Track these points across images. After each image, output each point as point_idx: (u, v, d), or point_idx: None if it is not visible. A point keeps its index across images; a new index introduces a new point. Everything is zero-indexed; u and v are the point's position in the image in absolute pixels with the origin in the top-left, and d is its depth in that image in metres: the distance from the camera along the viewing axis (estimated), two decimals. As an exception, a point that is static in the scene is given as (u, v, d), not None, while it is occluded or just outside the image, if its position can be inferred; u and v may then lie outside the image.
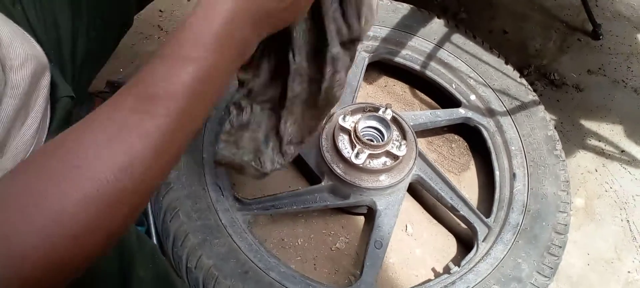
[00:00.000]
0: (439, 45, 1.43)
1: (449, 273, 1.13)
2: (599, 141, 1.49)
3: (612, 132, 1.52)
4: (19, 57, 0.63)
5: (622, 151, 1.47)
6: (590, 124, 1.53)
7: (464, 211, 1.20)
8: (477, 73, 1.40)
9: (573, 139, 1.49)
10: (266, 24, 0.58)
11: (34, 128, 0.65)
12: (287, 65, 0.73)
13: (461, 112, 1.36)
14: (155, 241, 1.12)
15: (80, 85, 0.90)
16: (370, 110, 1.23)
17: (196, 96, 0.51)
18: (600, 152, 1.47)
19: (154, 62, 0.51)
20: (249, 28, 0.56)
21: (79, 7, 0.88)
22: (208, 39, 0.52)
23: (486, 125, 1.34)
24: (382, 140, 1.18)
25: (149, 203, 1.11)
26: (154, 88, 0.48)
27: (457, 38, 1.45)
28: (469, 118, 1.35)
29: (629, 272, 1.27)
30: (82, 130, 0.47)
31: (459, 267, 1.13)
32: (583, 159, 1.45)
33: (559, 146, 1.28)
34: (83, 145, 0.45)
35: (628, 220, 1.35)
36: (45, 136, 0.68)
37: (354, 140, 1.15)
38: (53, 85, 0.71)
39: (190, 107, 0.50)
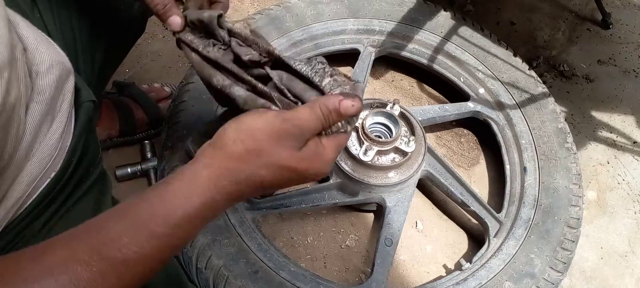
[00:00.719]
0: (446, 38, 1.42)
1: (461, 269, 1.12)
2: (611, 132, 1.47)
3: (624, 122, 1.50)
4: (44, 63, 0.63)
5: (634, 142, 1.45)
6: (601, 115, 1.51)
7: (474, 206, 1.19)
8: (485, 66, 1.38)
9: (584, 130, 1.47)
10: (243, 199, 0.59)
11: (59, 132, 0.65)
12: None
13: (470, 105, 1.34)
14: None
15: (97, 90, 0.90)
16: (378, 106, 1.21)
17: (153, 261, 0.51)
18: (611, 144, 1.45)
19: (121, 217, 0.51)
20: (225, 205, 0.56)
21: (96, 14, 0.88)
22: (180, 220, 0.52)
23: (495, 118, 1.32)
24: (390, 137, 1.17)
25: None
26: (113, 250, 0.48)
27: (465, 31, 1.43)
28: (478, 112, 1.33)
29: (643, 264, 1.26)
30: (36, 258, 0.47)
31: (470, 263, 1.12)
32: (594, 151, 1.43)
33: (570, 139, 1.26)
34: (32, 273, 0.46)
35: (641, 212, 1.33)
36: (69, 140, 0.68)
37: (361, 137, 1.14)
38: (76, 90, 0.71)
39: (143, 269, 0.51)
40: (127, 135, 1.28)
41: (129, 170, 1.22)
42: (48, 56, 0.64)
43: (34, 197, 0.64)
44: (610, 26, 1.72)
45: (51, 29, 0.81)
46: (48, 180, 0.65)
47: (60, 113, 0.66)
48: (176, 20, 0.72)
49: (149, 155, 1.26)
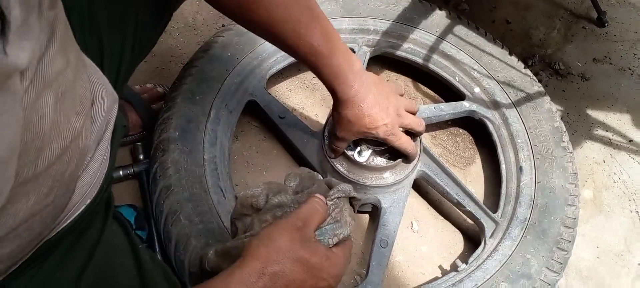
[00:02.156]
0: (442, 37, 1.41)
1: (457, 270, 1.11)
2: (606, 131, 1.47)
3: (620, 121, 1.49)
4: (99, 93, 0.65)
5: (630, 141, 1.45)
6: (597, 114, 1.50)
7: (470, 207, 1.18)
8: (480, 65, 1.37)
9: (580, 129, 1.47)
10: None
11: (100, 161, 0.66)
12: None
13: (465, 105, 1.34)
14: (157, 246, 1.10)
15: (119, 91, 0.90)
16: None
17: None
18: (607, 143, 1.45)
19: None
20: None
21: (125, 27, 0.87)
22: None
23: (491, 118, 1.31)
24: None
25: (150, 207, 1.10)
26: None
27: (460, 29, 1.42)
28: (474, 111, 1.33)
29: (639, 264, 1.25)
30: None
31: (466, 264, 1.11)
32: (590, 150, 1.43)
33: (566, 138, 1.25)
34: None
35: (637, 211, 1.33)
36: (107, 168, 0.69)
37: (356, 138, 1.13)
38: None
39: None
40: (119, 137, 1.26)
41: (121, 172, 1.20)
42: (101, 87, 0.66)
43: (63, 225, 0.63)
44: (606, 24, 1.71)
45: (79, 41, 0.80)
46: (82, 208, 0.65)
47: (103, 141, 0.66)
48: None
49: (141, 157, 1.24)
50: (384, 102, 0.99)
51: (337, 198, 0.75)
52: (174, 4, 0.99)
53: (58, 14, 0.50)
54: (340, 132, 1.03)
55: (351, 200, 0.79)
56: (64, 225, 0.63)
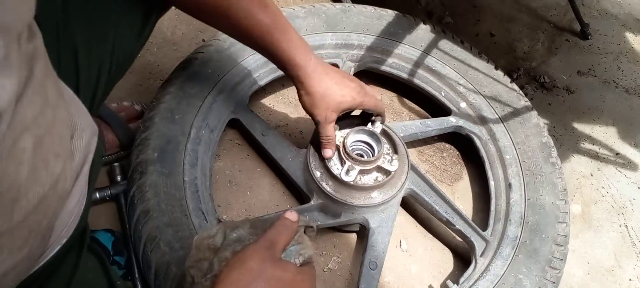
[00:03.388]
0: (426, 52, 1.39)
1: (448, 292, 1.08)
2: (593, 144, 1.46)
3: (606, 134, 1.48)
4: (78, 127, 0.61)
5: (617, 154, 1.44)
6: (583, 127, 1.49)
7: (459, 225, 1.15)
8: (466, 79, 1.35)
9: (566, 143, 1.45)
10: None
11: (77, 197, 0.61)
12: None
13: (452, 120, 1.31)
14: (136, 272, 1.05)
15: (94, 112, 0.85)
16: (359, 123, 1.17)
17: None
18: (594, 156, 1.43)
19: None
20: None
21: (102, 47, 0.83)
22: None
23: (478, 133, 1.29)
24: (372, 155, 1.12)
25: (128, 232, 1.05)
26: None
27: (445, 44, 1.40)
28: (460, 126, 1.30)
29: (630, 279, 1.24)
30: None
31: (457, 284, 1.08)
32: (578, 164, 1.42)
33: (555, 153, 1.23)
34: None
35: (626, 226, 1.32)
36: (84, 204, 0.64)
37: (343, 156, 1.09)
38: None
39: None
40: (95, 158, 1.21)
41: (97, 195, 1.15)
42: (80, 119, 0.61)
43: (35, 268, 0.58)
44: (589, 37, 1.72)
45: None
46: (57, 248, 0.60)
47: (81, 176, 0.61)
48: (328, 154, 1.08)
49: (118, 178, 1.19)
50: (344, 73, 1.04)
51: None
52: (151, 22, 0.95)
53: (37, 47, 0.44)
54: (318, 113, 1.00)
55: (306, 229, 0.80)
56: (36, 268, 0.58)
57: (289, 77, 0.98)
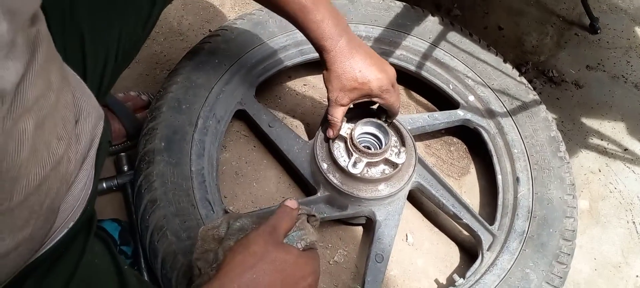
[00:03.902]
0: (435, 44, 1.38)
1: (454, 285, 1.07)
2: (602, 140, 1.45)
3: (614, 129, 1.47)
4: (84, 111, 0.61)
5: (625, 149, 1.43)
6: (591, 122, 1.48)
7: (466, 219, 1.14)
8: (475, 72, 1.34)
9: (575, 138, 1.44)
10: None
11: (84, 182, 0.61)
12: None
13: (460, 113, 1.30)
14: (142, 262, 1.05)
15: (101, 100, 0.85)
16: (367, 115, 1.16)
17: None
18: (603, 151, 1.42)
19: None
20: None
21: (109, 33, 0.82)
22: None
23: (486, 127, 1.28)
24: (380, 148, 1.12)
25: (135, 222, 1.05)
26: None
27: (453, 36, 1.39)
28: (468, 120, 1.29)
29: (637, 276, 1.23)
30: None
31: (463, 278, 1.08)
32: (586, 159, 1.41)
33: (563, 147, 1.22)
34: None
35: (634, 222, 1.31)
36: (91, 189, 0.64)
37: (350, 148, 1.08)
38: None
39: None
40: (102, 147, 1.21)
41: (104, 185, 1.15)
42: (86, 103, 0.61)
43: (41, 252, 0.58)
44: (598, 31, 1.70)
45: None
46: (64, 232, 0.60)
47: (87, 160, 0.61)
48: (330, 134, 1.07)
49: (125, 168, 1.19)
50: (378, 61, 1.00)
51: (299, 213, 0.80)
52: (158, 8, 0.94)
53: (40, 30, 0.45)
54: (333, 92, 1.00)
55: (309, 218, 0.82)
56: (43, 251, 0.58)
57: (317, 52, 0.99)
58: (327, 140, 1.10)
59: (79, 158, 0.58)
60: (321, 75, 1.01)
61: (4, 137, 0.39)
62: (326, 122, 1.07)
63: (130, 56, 0.94)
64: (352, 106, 1.07)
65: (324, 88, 1.01)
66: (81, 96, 0.61)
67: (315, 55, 1.00)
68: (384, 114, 1.14)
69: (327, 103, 1.04)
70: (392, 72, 1.02)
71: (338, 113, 1.03)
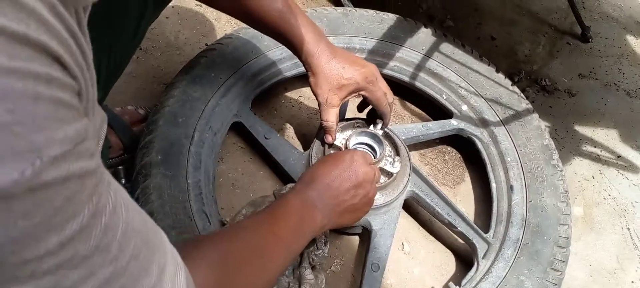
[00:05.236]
0: (428, 55, 1.39)
1: (450, 293, 1.08)
2: (595, 147, 1.46)
3: (607, 137, 1.49)
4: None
5: (619, 156, 1.44)
6: (584, 130, 1.49)
7: (461, 227, 1.16)
8: (467, 82, 1.36)
9: (568, 146, 1.46)
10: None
11: None
12: None
13: (453, 123, 1.32)
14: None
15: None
16: (361, 125, 1.18)
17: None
18: (596, 159, 1.44)
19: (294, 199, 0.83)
20: (314, 215, 0.84)
21: (99, 47, 0.84)
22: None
23: (480, 136, 1.30)
24: (374, 157, 1.13)
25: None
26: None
27: (446, 47, 1.41)
28: (462, 129, 1.31)
29: (632, 282, 1.24)
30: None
31: (459, 286, 1.08)
32: (579, 166, 1.42)
33: (556, 155, 1.24)
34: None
35: (629, 228, 1.32)
36: None
37: (345, 159, 1.10)
38: None
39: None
40: (99, 161, 1.22)
41: (101, 198, 1.16)
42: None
43: None
44: (590, 39, 1.72)
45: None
46: None
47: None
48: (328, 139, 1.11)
49: (123, 181, 1.20)
50: (358, 59, 1.06)
51: None
52: (146, 21, 0.96)
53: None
54: (320, 93, 1.03)
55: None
56: None
57: (300, 60, 1.02)
58: (323, 152, 1.12)
59: None
60: None
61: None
62: (321, 130, 1.09)
63: (120, 68, 0.97)
64: (344, 113, 1.09)
65: (318, 98, 1.03)
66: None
67: (310, 67, 1.03)
68: (377, 122, 1.15)
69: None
70: (374, 67, 1.07)
71: (331, 115, 1.06)
